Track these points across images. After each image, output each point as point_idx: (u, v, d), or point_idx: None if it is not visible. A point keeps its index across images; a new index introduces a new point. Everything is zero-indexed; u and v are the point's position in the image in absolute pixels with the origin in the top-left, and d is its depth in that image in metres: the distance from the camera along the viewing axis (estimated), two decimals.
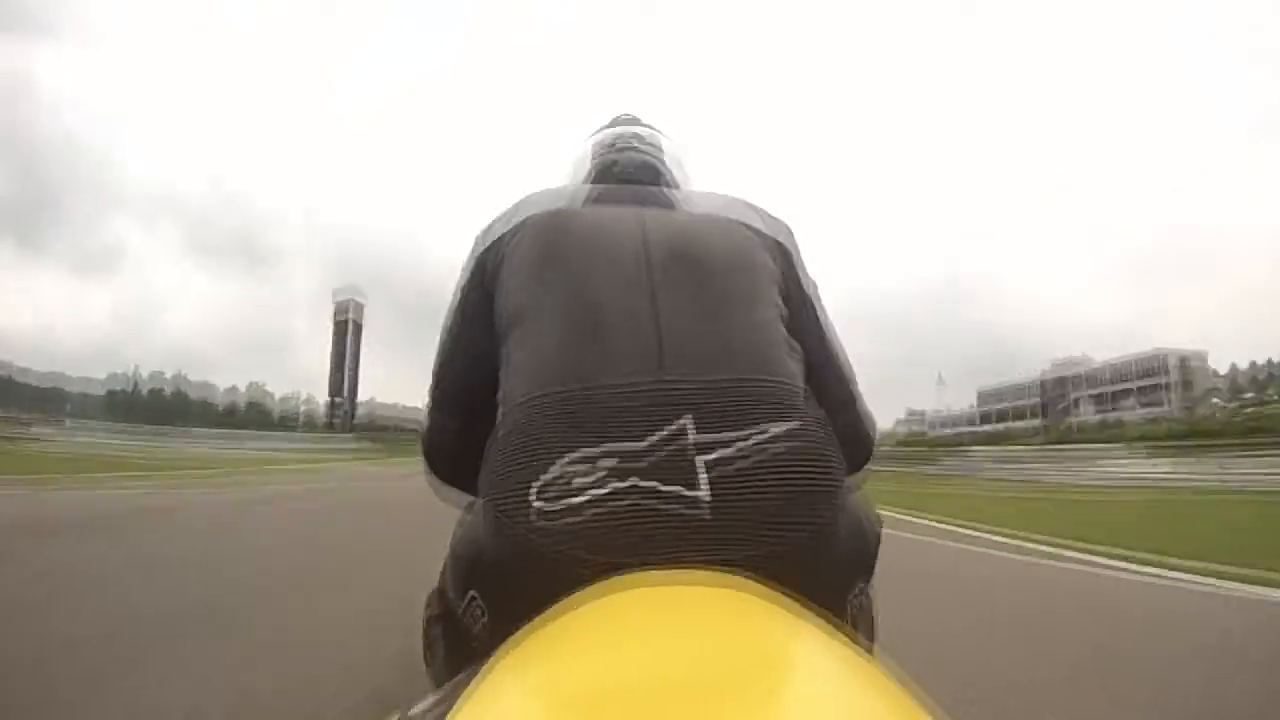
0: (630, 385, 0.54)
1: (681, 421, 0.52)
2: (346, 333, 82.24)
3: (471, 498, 0.64)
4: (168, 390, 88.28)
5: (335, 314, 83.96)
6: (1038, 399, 55.73)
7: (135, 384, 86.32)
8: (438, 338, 0.74)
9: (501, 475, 0.52)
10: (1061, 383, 54.84)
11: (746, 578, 0.47)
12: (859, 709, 0.32)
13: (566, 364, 0.56)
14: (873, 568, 0.59)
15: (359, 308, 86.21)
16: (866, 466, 0.75)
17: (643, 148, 0.82)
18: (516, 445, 0.53)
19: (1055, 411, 52.73)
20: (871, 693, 0.33)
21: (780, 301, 0.65)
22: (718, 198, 0.75)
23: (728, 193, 0.77)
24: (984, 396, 63.24)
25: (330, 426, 74.25)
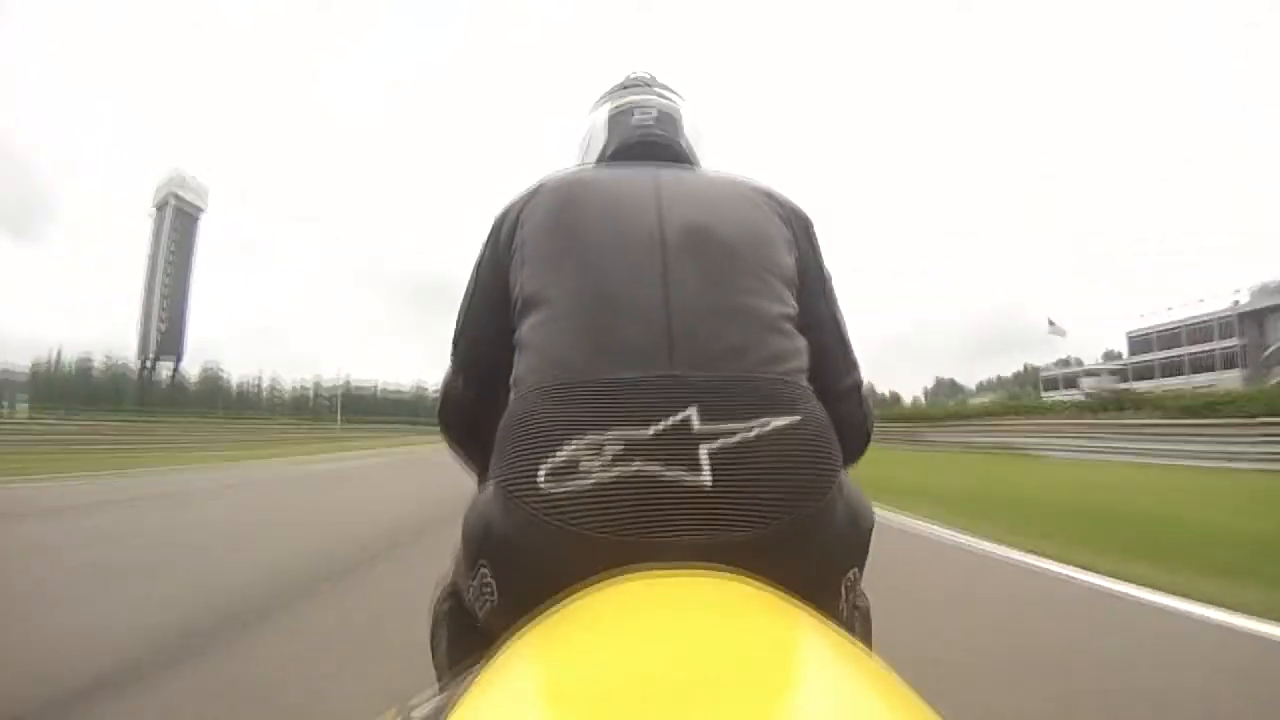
0: (640, 377, 0.56)
1: (687, 411, 0.55)
2: (161, 237, 58.95)
3: (477, 483, 0.72)
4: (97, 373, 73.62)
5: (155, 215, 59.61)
6: (1233, 341, 38.61)
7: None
8: (459, 303, 0.76)
9: (511, 457, 0.56)
10: (1263, 315, 37.67)
11: (747, 573, 0.50)
12: (860, 701, 0.33)
13: (578, 355, 0.59)
14: (865, 554, 0.63)
15: (188, 213, 62.78)
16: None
17: (660, 120, 0.82)
18: (526, 429, 0.56)
19: (1263, 358, 35.69)
20: (871, 686, 0.35)
21: (792, 291, 0.67)
22: (739, 179, 0.75)
23: (748, 176, 0.76)
24: (1138, 343, 46.20)
25: (141, 401, 54.76)
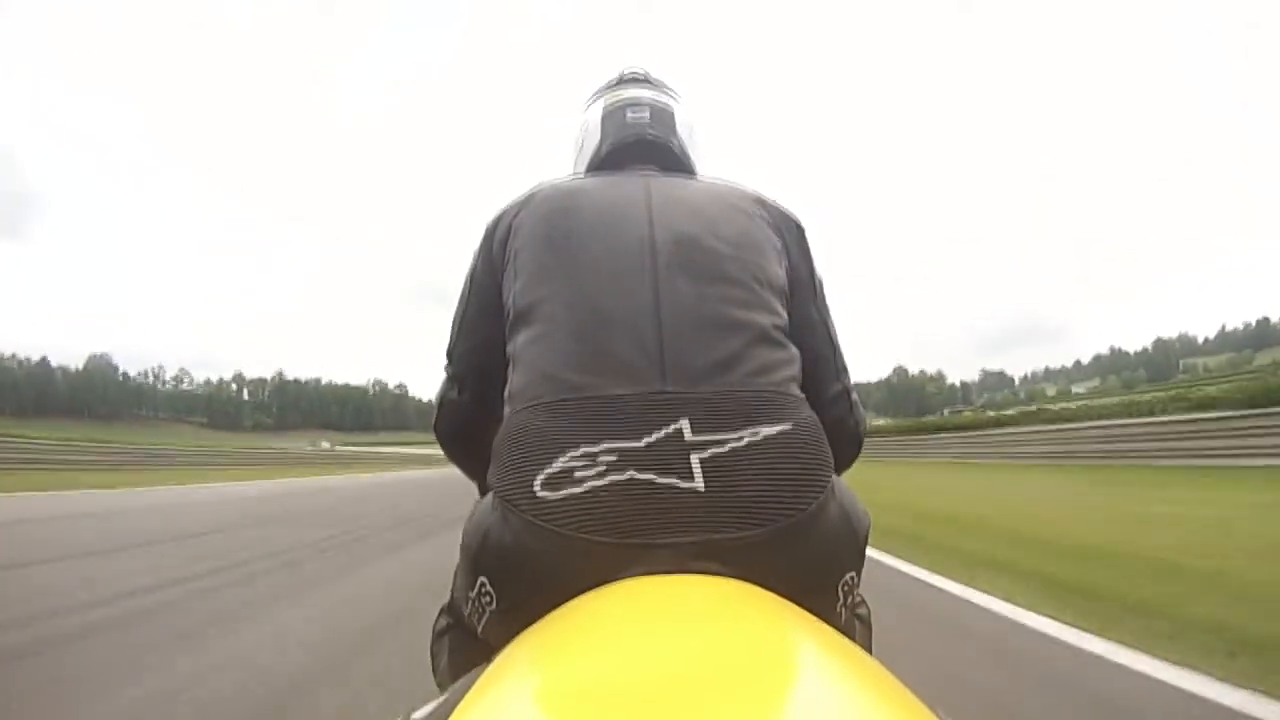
0: (632, 393, 0.60)
1: (679, 424, 0.58)
2: None
3: (478, 492, 0.77)
4: None
5: None
6: None
7: None
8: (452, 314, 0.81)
9: (508, 468, 0.60)
10: None
11: (744, 576, 0.53)
12: (860, 704, 0.34)
13: (572, 371, 0.62)
14: (862, 558, 0.66)
15: None
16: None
17: (654, 119, 0.85)
18: (522, 442, 0.60)
19: None
20: (870, 688, 0.36)
21: (782, 300, 0.71)
22: (730, 187, 0.79)
23: (740, 182, 0.81)
24: None
25: None
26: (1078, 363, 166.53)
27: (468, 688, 0.39)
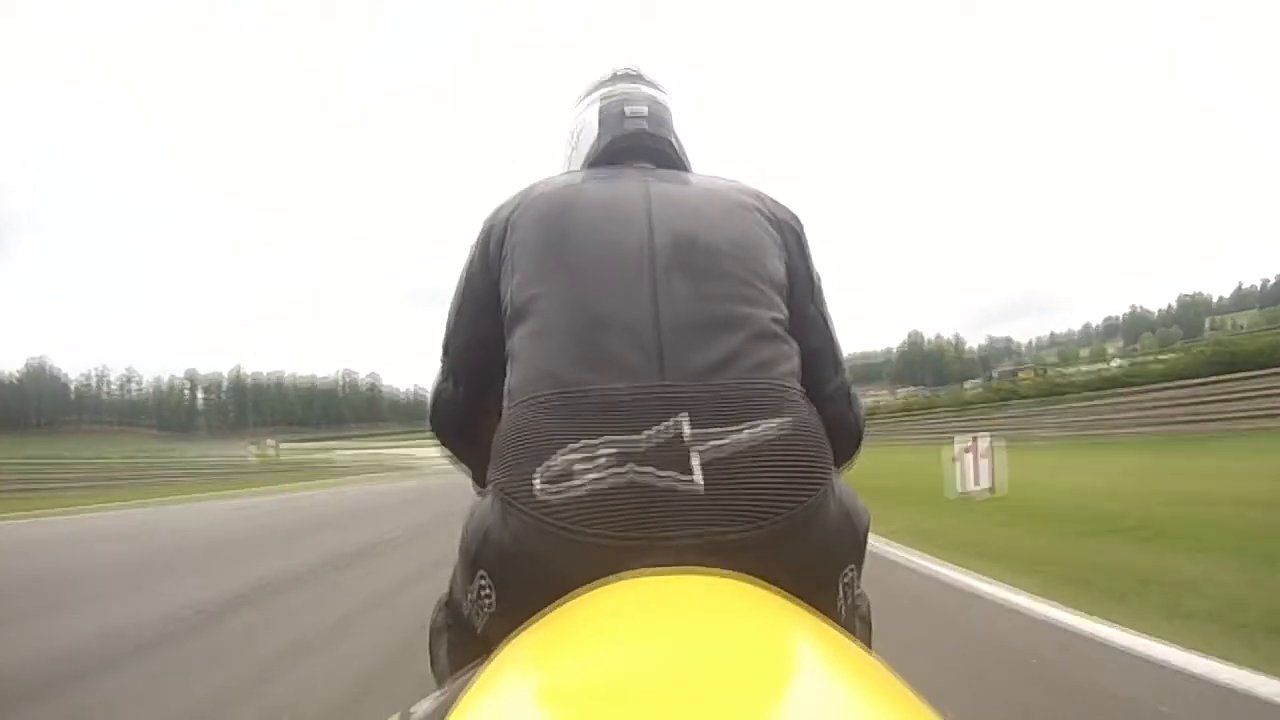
0: (631, 388, 0.61)
1: (678, 419, 0.59)
2: None
3: (479, 488, 0.80)
4: None
5: None
6: None
7: None
8: (449, 305, 0.83)
9: (507, 465, 0.62)
10: None
11: (743, 573, 0.53)
12: (857, 699, 0.35)
13: (570, 368, 0.63)
14: (862, 553, 0.68)
15: None
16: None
17: (652, 117, 0.87)
18: (521, 438, 0.62)
19: None
20: (868, 684, 0.37)
21: (782, 296, 0.72)
22: (729, 184, 0.81)
23: (738, 180, 0.83)
24: None
25: None
26: (1086, 326, 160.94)
27: (467, 684, 0.40)
